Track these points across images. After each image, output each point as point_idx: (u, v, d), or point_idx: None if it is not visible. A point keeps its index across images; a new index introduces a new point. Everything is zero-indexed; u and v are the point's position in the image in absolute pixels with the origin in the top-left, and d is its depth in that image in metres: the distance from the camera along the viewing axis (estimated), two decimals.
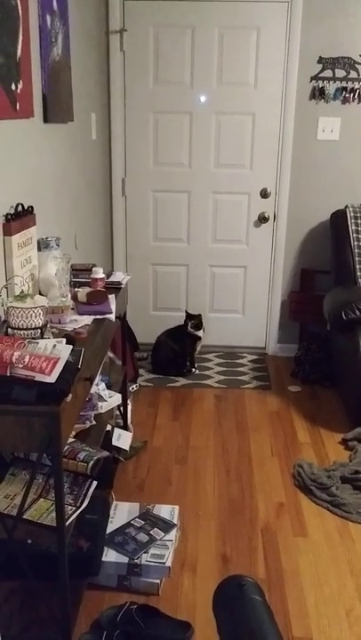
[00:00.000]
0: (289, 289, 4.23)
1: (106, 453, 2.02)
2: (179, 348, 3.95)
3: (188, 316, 3.99)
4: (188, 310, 4.06)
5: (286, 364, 4.13)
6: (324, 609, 2.08)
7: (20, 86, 2.10)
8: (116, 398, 2.59)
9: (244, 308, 4.31)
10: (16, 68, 2.07)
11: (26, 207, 2.14)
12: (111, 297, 2.32)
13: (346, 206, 3.81)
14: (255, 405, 3.59)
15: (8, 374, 1.52)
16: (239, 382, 3.90)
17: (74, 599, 1.87)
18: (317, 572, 2.25)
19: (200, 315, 4.02)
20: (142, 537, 2.26)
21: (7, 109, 2.02)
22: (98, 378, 2.42)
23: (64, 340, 1.72)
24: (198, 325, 3.97)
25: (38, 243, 2.29)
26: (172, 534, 2.30)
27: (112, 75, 3.87)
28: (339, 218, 3.82)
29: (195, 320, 3.97)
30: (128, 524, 2.34)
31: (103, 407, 2.43)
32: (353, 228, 3.74)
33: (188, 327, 3.95)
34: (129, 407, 3.16)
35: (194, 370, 4.01)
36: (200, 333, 3.99)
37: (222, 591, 1.67)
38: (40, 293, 2.17)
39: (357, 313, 3.19)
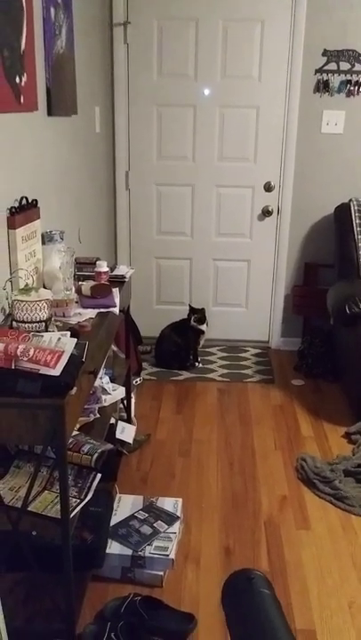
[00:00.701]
0: (292, 283, 4.22)
1: (110, 446, 2.03)
2: (182, 342, 3.96)
3: (192, 310, 3.99)
4: (191, 304, 4.06)
5: (290, 358, 4.13)
6: (327, 601, 2.09)
7: (24, 79, 2.09)
8: (120, 391, 2.60)
9: (248, 301, 4.31)
10: (20, 61, 2.06)
11: (30, 201, 2.14)
12: (115, 290, 2.33)
13: (350, 200, 3.80)
14: (258, 399, 3.59)
15: (13, 367, 1.53)
16: (242, 376, 3.90)
17: (78, 591, 1.88)
18: (320, 565, 2.26)
19: (203, 309, 4.02)
20: (146, 529, 2.28)
21: (11, 103, 2.01)
22: (102, 371, 2.43)
23: (68, 333, 1.72)
24: (202, 319, 3.97)
25: (42, 236, 2.30)
26: (176, 527, 2.32)
27: (116, 67, 3.86)
28: (343, 211, 3.80)
29: (198, 314, 3.97)
30: (132, 517, 2.35)
31: (107, 400, 2.44)
32: (357, 221, 3.73)
33: (192, 321, 3.96)
34: (132, 400, 3.16)
35: (197, 364, 4.01)
36: (203, 327, 3.99)
37: (231, 585, 1.68)
38: (44, 287, 2.17)
39: None
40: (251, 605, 1.57)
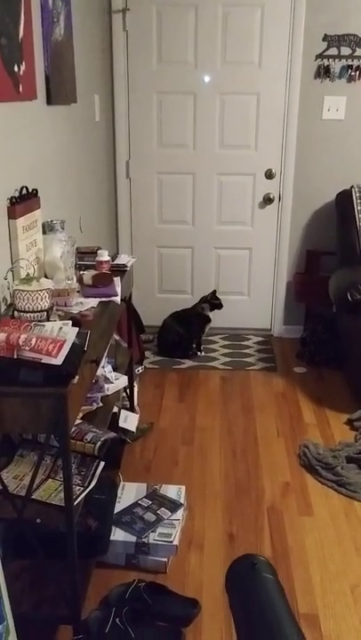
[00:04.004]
0: (294, 270, 4.22)
1: (113, 434, 2.04)
2: (184, 331, 3.96)
3: (211, 297, 3.98)
4: (211, 294, 4.05)
5: (292, 346, 4.14)
6: (330, 586, 2.11)
7: (22, 68, 2.08)
8: (123, 380, 2.60)
9: (250, 289, 4.31)
10: (18, 50, 2.05)
11: (30, 190, 2.14)
12: (116, 279, 2.33)
13: (351, 186, 3.78)
14: (261, 387, 3.60)
15: (15, 357, 1.53)
16: (245, 364, 3.91)
17: (83, 577, 1.90)
18: (323, 550, 2.28)
19: (215, 290, 4.03)
20: (150, 516, 2.29)
21: (10, 91, 2.01)
22: (104, 360, 2.43)
23: (70, 322, 1.73)
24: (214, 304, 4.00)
25: (43, 226, 2.30)
26: (179, 514, 2.33)
27: (115, 55, 3.84)
28: (344, 198, 3.79)
29: (217, 299, 3.97)
30: (135, 504, 2.37)
31: (110, 389, 2.45)
32: (359, 208, 3.72)
33: (205, 309, 3.96)
34: (135, 389, 3.18)
35: (200, 352, 4.02)
36: (210, 315, 4.00)
37: (235, 570, 1.69)
38: (46, 276, 2.18)
39: None
40: (254, 590, 1.59)
